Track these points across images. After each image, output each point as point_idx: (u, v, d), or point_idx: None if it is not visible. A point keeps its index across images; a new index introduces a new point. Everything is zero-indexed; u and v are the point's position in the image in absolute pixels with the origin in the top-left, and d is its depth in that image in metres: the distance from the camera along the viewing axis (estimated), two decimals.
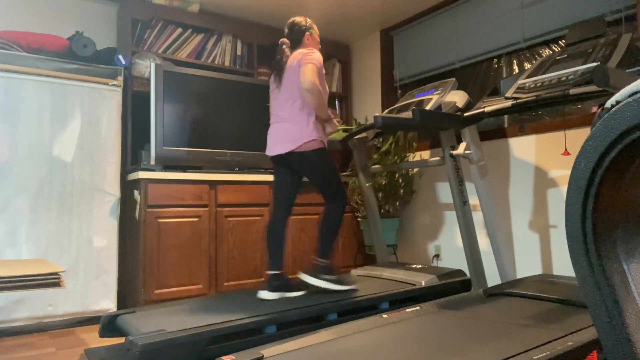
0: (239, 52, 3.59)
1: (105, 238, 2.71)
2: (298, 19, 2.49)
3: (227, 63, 3.52)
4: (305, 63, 2.27)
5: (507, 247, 2.50)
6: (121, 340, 2.16)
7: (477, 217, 2.99)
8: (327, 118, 2.40)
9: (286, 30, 2.50)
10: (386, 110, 3.02)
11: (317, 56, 2.32)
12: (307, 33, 2.46)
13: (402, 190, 3.48)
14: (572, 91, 1.96)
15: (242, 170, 3.19)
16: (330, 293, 2.32)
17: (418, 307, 2.01)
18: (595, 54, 2.06)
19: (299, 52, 2.38)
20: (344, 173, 3.59)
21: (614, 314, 0.69)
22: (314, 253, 2.39)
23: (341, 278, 2.38)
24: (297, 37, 2.47)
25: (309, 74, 2.23)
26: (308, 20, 2.50)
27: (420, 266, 2.83)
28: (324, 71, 2.36)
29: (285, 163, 2.43)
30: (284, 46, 2.45)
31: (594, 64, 1.97)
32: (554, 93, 2.03)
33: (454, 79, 2.71)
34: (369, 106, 4.04)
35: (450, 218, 3.30)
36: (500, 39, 3.06)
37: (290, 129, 2.35)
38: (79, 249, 2.63)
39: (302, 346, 1.58)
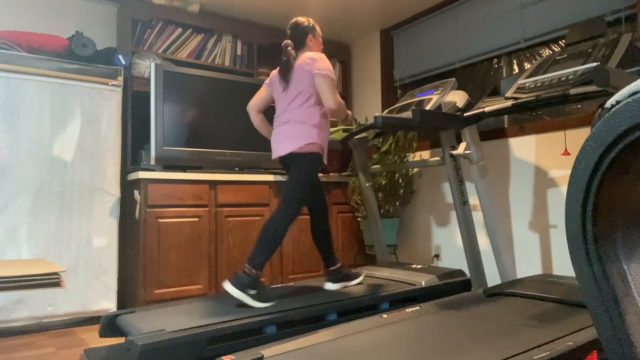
0: (239, 52, 3.59)
1: (105, 238, 2.71)
2: (300, 19, 2.45)
3: (227, 63, 3.52)
4: (322, 77, 2.29)
5: (507, 247, 2.50)
6: (121, 340, 2.16)
7: (477, 217, 2.99)
8: (344, 117, 2.53)
9: (288, 32, 2.46)
10: (386, 110, 3.02)
11: (328, 65, 2.33)
12: (310, 35, 2.44)
13: (402, 190, 3.48)
14: (572, 91, 1.96)
15: (242, 170, 3.19)
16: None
17: (418, 307, 2.01)
18: (595, 54, 2.06)
19: (307, 56, 2.35)
20: (344, 173, 3.59)
21: (614, 314, 0.69)
22: (247, 260, 2.19)
23: (262, 293, 2.18)
24: (299, 38, 2.43)
25: (331, 92, 2.31)
26: (311, 20, 2.46)
27: (420, 266, 2.83)
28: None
29: (287, 164, 2.43)
30: (289, 48, 2.42)
31: (594, 64, 1.97)
32: (554, 93, 2.03)
33: (454, 79, 2.71)
34: (369, 106, 4.04)
35: (450, 218, 3.30)
36: (500, 39, 3.06)
37: (293, 131, 2.34)
38: (79, 248, 2.63)
39: (302, 346, 1.58)
